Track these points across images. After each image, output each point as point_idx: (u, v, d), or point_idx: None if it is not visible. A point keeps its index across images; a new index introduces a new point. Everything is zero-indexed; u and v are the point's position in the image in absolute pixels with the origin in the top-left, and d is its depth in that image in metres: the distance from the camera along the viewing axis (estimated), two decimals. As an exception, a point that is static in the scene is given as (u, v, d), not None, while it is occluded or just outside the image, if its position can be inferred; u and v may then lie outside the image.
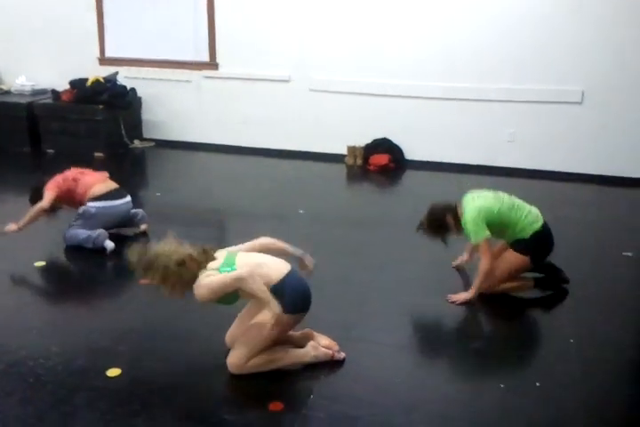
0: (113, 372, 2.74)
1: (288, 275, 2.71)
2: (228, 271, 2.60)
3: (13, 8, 6.96)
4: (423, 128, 6.14)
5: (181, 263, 2.62)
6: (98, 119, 6.40)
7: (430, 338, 3.19)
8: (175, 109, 6.82)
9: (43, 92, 6.87)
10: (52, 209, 4.16)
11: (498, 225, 3.44)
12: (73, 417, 2.49)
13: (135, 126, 6.86)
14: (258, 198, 5.28)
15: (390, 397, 2.63)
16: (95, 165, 6.25)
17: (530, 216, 3.48)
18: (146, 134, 6.98)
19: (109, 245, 4.08)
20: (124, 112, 6.61)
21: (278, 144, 6.58)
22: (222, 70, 6.61)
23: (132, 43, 6.82)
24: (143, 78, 6.81)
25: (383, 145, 6.19)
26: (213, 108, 6.72)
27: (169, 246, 2.68)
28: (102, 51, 6.92)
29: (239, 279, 2.55)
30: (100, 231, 4.07)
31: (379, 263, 3.95)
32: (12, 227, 4.03)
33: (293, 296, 2.68)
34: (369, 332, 3.15)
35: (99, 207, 4.09)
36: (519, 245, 3.47)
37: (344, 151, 6.31)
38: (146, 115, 6.92)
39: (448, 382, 2.78)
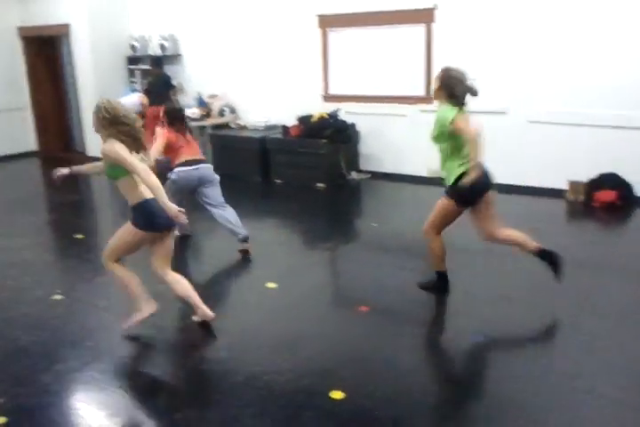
0: (336, 394, 2.90)
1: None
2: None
3: (256, 53, 7.83)
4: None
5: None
6: (321, 153, 6.89)
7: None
8: (390, 143, 7.08)
9: (274, 127, 7.60)
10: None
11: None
12: (301, 434, 2.68)
13: (353, 159, 7.25)
14: (472, 233, 5.23)
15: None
16: (317, 195, 6.74)
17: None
18: (363, 166, 7.33)
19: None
20: (344, 146, 7.03)
21: (494, 178, 6.46)
22: (437, 104, 6.71)
23: (352, 80, 7.26)
24: (362, 113, 7.19)
25: (610, 180, 5.78)
26: (427, 141, 6.83)
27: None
28: (326, 89, 7.46)
29: (135, 166, 3.12)
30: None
31: (606, 310, 3.68)
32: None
33: (144, 216, 3.26)
34: (595, 384, 2.94)
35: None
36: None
37: (564, 186, 6.01)
38: (363, 148, 7.28)
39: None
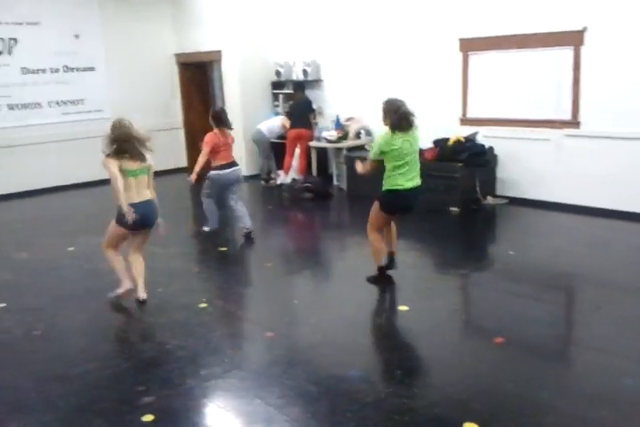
0: (470, 426, 2.83)
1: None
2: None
3: (394, 77, 7.96)
4: None
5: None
6: (456, 176, 6.80)
7: None
8: (531, 168, 6.84)
9: (409, 150, 7.61)
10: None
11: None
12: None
13: (489, 183, 7.08)
14: (616, 266, 4.92)
15: None
16: (450, 219, 6.65)
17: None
18: (499, 191, 7.14)
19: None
20: (481, 170, 6.89)
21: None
22: (585, 128, 6.42)
23: (491, 104, 7.13)
24: (501, 137, 7.02)
25: None
26: (573, 167, 6.54)
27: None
28: (464, 112, 7.38)
29: (111, 174, 4.11)
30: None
31: None
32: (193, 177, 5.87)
33: (119, 215, 4.20)
34: None
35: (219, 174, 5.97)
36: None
37: None
38: (500, 172, 7.10)
39: None
